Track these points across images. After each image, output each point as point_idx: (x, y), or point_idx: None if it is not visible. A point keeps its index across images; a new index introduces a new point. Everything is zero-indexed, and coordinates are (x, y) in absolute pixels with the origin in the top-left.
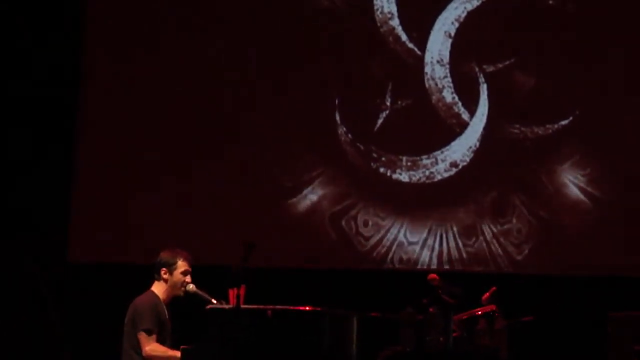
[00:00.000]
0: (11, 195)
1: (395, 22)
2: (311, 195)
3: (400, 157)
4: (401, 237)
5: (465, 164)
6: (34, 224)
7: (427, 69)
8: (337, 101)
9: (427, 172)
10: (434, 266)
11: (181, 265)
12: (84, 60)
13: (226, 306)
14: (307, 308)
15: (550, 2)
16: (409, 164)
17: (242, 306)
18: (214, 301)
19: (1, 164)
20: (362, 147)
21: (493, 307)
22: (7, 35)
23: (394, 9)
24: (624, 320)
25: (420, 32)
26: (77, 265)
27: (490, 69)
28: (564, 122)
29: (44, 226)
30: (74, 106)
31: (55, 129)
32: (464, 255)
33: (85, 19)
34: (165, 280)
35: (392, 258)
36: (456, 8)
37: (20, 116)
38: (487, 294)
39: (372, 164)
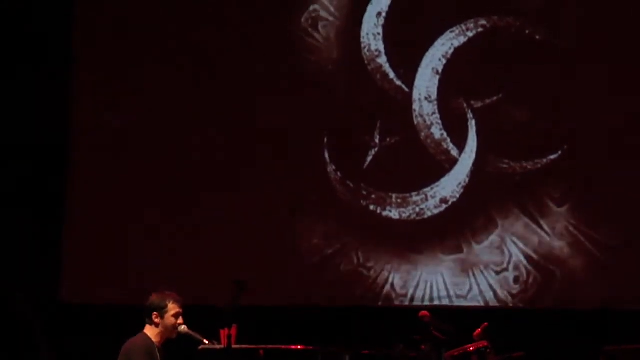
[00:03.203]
0: (3, 234)
1: (382, 60)
2: (302, 234)
3: (390, 194)
4: (392, 274)
5: (455, 200)
6: (26, 264)
7: (416, 106)
8: (325, 139)
9: (417, 209)
10: (425, 303)
11: (172, 307)
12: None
13: (218, 346)
14: (299, 347)
15: (537, 37)
16: (398, 200)
17: (234, 346)
18: (206, 341)
19: None
20: (351, 185)
21: (485, 343)
22: None
23: (381, 46)
24: (617, 354)
25: (408, 69)
26: (68, 306)
27: (478, 104)
28: (552, 157)
29: (36, 266)
30: (62, 151)
31: (46, 170)
32: (455, 292)
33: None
34: (157, 324)
35: (383, 296)
36: (443, 45)
37: (12, 162)
38: (479, 329)
39: (362, 201)
